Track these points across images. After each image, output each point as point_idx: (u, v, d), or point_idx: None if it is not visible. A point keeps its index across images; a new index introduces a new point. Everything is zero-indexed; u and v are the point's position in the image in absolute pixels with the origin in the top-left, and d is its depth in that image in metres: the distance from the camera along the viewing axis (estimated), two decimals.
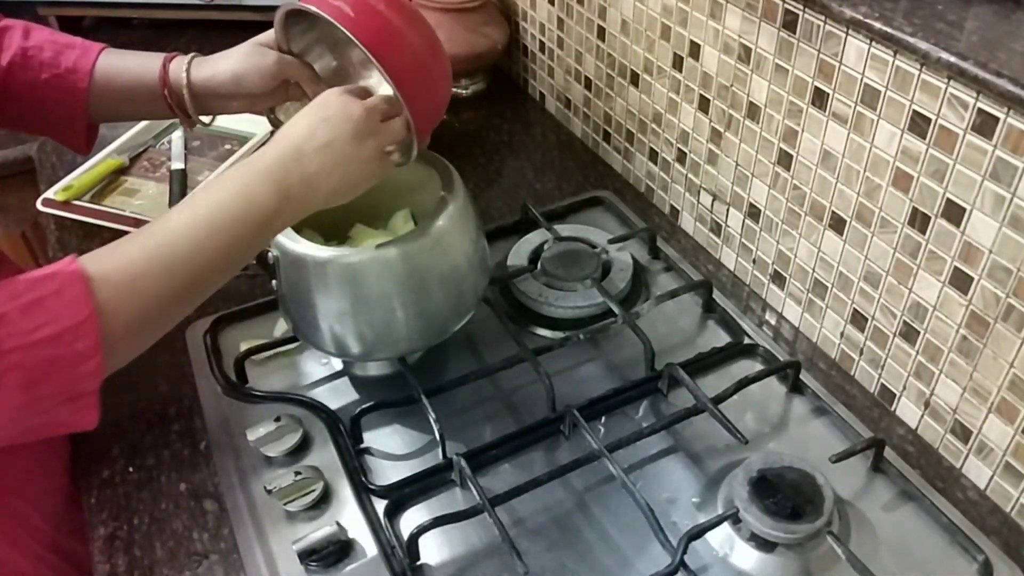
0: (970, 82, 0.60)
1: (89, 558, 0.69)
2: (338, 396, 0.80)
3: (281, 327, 0.85)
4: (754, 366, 0.82)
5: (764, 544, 0.66)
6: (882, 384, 0.79)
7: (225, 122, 1.19)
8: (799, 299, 0.86)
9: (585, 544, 0.68)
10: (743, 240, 0.92)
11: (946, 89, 0.63)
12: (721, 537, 0.67)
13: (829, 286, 0.81)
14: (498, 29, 1.23)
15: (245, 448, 0.74)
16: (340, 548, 0.66)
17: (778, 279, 0.88)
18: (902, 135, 0.68)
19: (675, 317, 0.87)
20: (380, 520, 0.69)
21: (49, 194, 1.05)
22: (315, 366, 0.83)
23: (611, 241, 0.92)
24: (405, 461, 0.75)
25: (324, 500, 0.70)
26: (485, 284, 0.79)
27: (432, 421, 0.72)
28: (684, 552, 0.63)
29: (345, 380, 0.82)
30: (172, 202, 1.00)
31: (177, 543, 0.69)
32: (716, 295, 0.88)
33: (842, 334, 0.82)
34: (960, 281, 0.68)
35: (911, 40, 0.63)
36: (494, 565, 0.67)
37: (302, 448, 0.74)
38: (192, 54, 0.78)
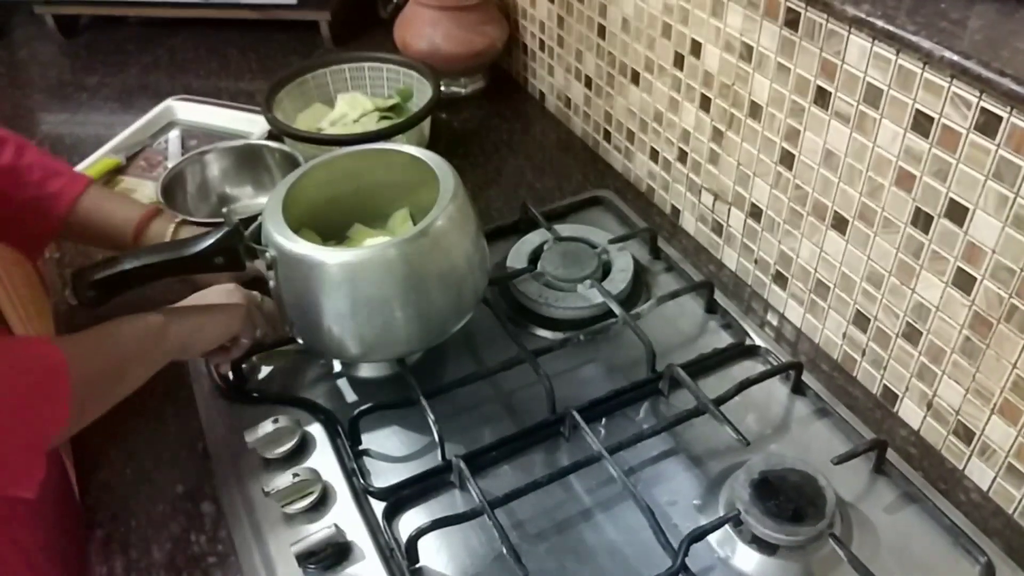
0: (973, 81, 0.60)
1: (85, 560, 0.68)
2: (337, 397, 0.80)
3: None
4: (756, 367, 0.81)
5: (766, 546, 0.65)
6: (884, 385, 0.79)
7: (222, 121, 1.19)
8: (801, 300, 0.86)
9: (585, 546, 0.67)
10: (745, 240, 0.91)
11: (949, 88, 0.63)
12: (722, 539, 0.67)
13: (831, 286, 0.81)
14: (497, 27, 1.23)
15: (243, 450, 0.73)
16: (339, 550, 0.66)
17: (780, 279, 0.88)
18: (905, 134, 0.68)
19: (676, 318, 0.87)
20: (379, 522, 0.69)
21: None
22: (314, 367, 0.82)
23: (611, 241, 0.92)
24: (404, 463, 0.74)
25: (322, 502, 0.70)
26: (485, 284, 0.79)
27: (431, 423, 0.72)
28: (685, 554, 0.63)
29: (344, 381, 0.81)
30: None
31: (174, 545, 0.69)
32: (717, 296, 0.87)
33: (844, 335, 0.82)
34: (963, 281, 0.67)
35: (914, 39, 0.62)
36: (493, 568, 0.66)
37: (300, 450, 0.74)
38: (178, 219, 0.83)
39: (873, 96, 0.69)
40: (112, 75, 1.35)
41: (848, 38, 0.69)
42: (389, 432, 0.77)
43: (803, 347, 0.86)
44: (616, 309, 0.83)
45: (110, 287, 0.71)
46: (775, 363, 0.81)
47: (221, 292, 0.78)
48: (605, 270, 0.89)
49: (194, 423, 0.78)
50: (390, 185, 0.83)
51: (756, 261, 0.90)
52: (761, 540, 0.65)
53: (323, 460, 0.73)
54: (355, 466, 0.72)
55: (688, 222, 1.00)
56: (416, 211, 0.85)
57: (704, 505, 0.70)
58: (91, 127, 1.22)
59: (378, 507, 0.70)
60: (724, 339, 0.84)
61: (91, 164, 1.09)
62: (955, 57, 0.60)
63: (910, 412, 0.77)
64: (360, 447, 0.75)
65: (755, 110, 0.83)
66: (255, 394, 0.79)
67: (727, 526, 0.66)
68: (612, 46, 1.04)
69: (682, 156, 0.97)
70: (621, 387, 0.78)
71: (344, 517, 0.69)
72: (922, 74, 0.64)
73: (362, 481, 0.71)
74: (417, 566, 0.66)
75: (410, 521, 0.69)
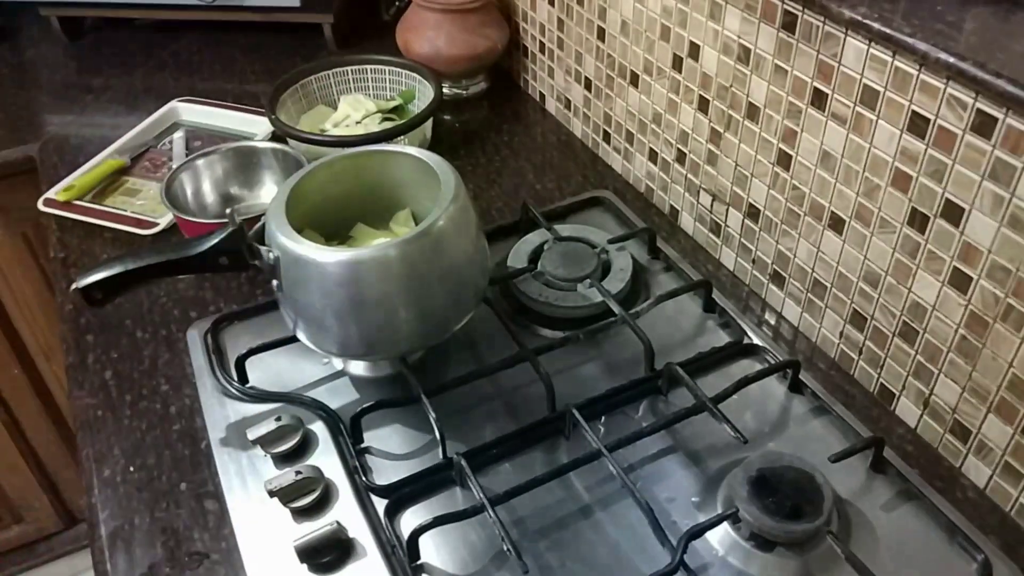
0: (969, 82, 0.60)
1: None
2: (338, 396, 0.80)
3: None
4: (753, 366, 0.82)
5: (763, 543, 0.66)
6: (881, 384, 0.79)
7: (226, 123, 1.20)
8: (798, 299, 0.86)
9: (585, 543, 0.68)
10: (742, 240, 0.92)
11: (945, 89, 0.63)
12: (721, 536, 0.67)
13: (828, 286, 0.82)
14: (498, 30, 1.24)
15: (246, 448, 0.74)
16: (340, 547, 0.66)
17: (777, 279, 0.88)
18: (901, 135, 0.68)
19: (675, 317, 0.88)
20: (380, 519, 0.69)
21: (51, 194, 1.05)
22: (315, 366, 0.83)
23: (611, 241, 0.92)
24: (405, 461, 0.75)
25: (324, 499, 0.70)
26: (485, 284, 0.79)
27: (432, 421, 0.73)
28: (684, 551, 0.63)
29: (345, 380, 0.82)
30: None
31: (178, 543, 0.69)
32: (716, 295, 0.88)
33: (841, 334, 0.82)
34: (959, 281, 0.68)
35: (910, 41, 0.63)
36: (494, 564, 0.67)
37: (303, 448, 0.74)
38: None
39: (869, 97, 0.70)
40: (117, 77, 1.36)
41: (845, 40, 0.70)
42: (391, 430, 0.77)
43: (800, 346, 0.86)
44: (615, 308, 0.83)
45: (114, 287, 0.72)
46: (773, 361, 0.81)
47: None
48: (604, 270, 0.90)
49: (197, 420, 0.79)
50: (392, 186, 0.84)
51: (754, 261, 0.91)
52: (759, 537, 0.66)
53: (325, 458, 0.74)
54: (357, 464, 0.73)
55: (686, 222, 1.01)
56: (418, 211, 0.85)
57: (702, 502, 0.70)
58: (96, 128, 1.23)
59: (380, 504, 0.70)
60: (722, 338, 0.85)
61: (96, 165, 1.10)
62: (951, 59, 0.60)
63: (907, 410, 0.77)
64: (362, 445, 0.76)
65: (753, 112, 0.83)
66: (258, 392, 0.79)
67: (725, 523, 0.67)
68: (611, 49, 1.04)
69: (680, 157, 0.98)
70: (620, 385, 0.79)
71: (346, 514, 0.69)
72: (918, 76, 0.65)
73: (364, 478, 0.71)
74: (418, 563, 0.66)
75: (411, 518, 0.70)
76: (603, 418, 0.78)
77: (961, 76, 0.60)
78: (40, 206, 1.05)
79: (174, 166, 1.09)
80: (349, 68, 1.16)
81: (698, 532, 0.65)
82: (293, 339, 0.80)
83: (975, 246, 0.65)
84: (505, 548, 0.63)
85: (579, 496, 0.71)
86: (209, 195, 1.00)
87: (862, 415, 0.77)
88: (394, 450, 0.76)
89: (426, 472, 0.72)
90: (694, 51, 0.89)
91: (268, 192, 1.02)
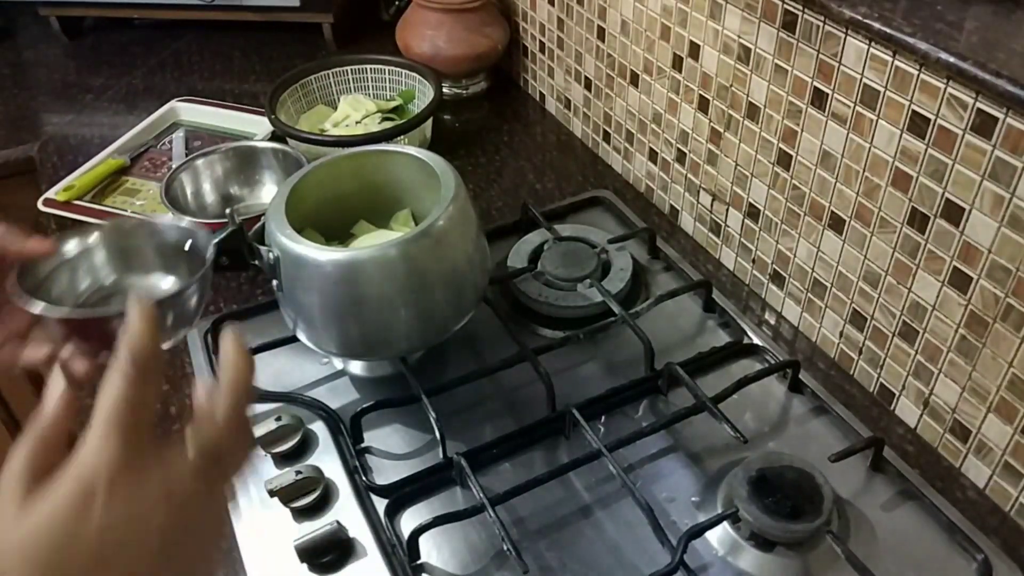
0: (969, 82, 0.60)
1: None
2: (338, 396, 0.80)
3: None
4: (753, 365, 0.82)
5: (763, 543, 0.66)
6: (881, 383, 0.79)
7: (226, 123, 1.20)
8: (798, 299, 0.86)
9: (585, 543, 0.68)
10: (742, 240, 0.92)
11: (945, 89, 0.63)
12: (720, 536, 0.67)
13: (828, 286, 0.82)
14: (498, 29, 1.24)
15: None
16: (341, 547, 0.67)
17: (777, 279, 0.88)
18: (901, 135, 0.68)
19: (675, 317, 0.88)
20: (380, 519, 0.69)
21: (50, 194, 1.05)
22: (315, 366, 0.83)
23: (611, 241, 0.92)
24: (405, 460, 0.75)
25: (325, 499, 0.70)
26: (485, 284, 0.79)
27: (432, 420, 0.73)
28: (684, 551, 0.64)
29: (345, 380, 0.82)
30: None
31: None
32: (716, 295, 0.88)
33: (841, 333, 0.82)
34: (959, 281, 0.68)
35: (910, 40, 0.63)
36: (494, 564, 0.67)
37: (303, 447, 0.74)
38: None
39: (870, 97, 0.70)
40: (117, 77, 1.36)
41: (845, 40, 0.70)
42: (391, 430, 0.77)
43: (800, 346, 0.86)
44: (615, 308, 0.83)
45: None
46: (772, 361, 0.81)
47: None
48: (604, 269, 0.90)
49: None
50: (392, 185, 0.84)
51: (754, 260, 0.91)
52: (759, 537, 0.66)
53: (325, 457, 0.74)
54: (357, 463, 0.73)
55: (686, 222, 1.01)
56: (418, 211, 0.85)
57: (702, 502, 0.70)
58: (96, 128, 1.23)
59: (380, 504, 0.70)
60: (722, 338, 0.85)
61: (96, 165, 1.10)
62: (951, 59, 0.60)
63: (907, 410, 0.77)
64: (362, 445, 0.76)
65: (753, 111, 0.83)
66: (258, 392, 0.79)
67: (725, 523, 0.67)
68: (611, 48, 1.04)
69: (680, 157, 0.98)
70: (620, 385, 0.79)
71: (346, 514, 0.69)
72: (918, 75, 0.65)
73: (364, 478, 0.71)
74: (418, 562, 0.66)
75: (411, 518, 0.70)
76: (603, 418, 0.78)
77: (961, 76, 0.60)
78: (40, 206, 1.04)
79: (174, 166, 1.09)
80: (349, 68, 1.16)
81: (698, 532, 0.65)
82: (293, 339, 0.80)
83: (975, 246, 0.65)
84: (505, 548, 0.63)
85: (579, 496, 0.71)
86: (209, 195, 1.00)
87: (862, 415, 0.77)
88: (394, 450, 0.76)
89: (426, 472, 0.72)
90: (694, 51, 0.89)
91: (268, 192, 1.02)
